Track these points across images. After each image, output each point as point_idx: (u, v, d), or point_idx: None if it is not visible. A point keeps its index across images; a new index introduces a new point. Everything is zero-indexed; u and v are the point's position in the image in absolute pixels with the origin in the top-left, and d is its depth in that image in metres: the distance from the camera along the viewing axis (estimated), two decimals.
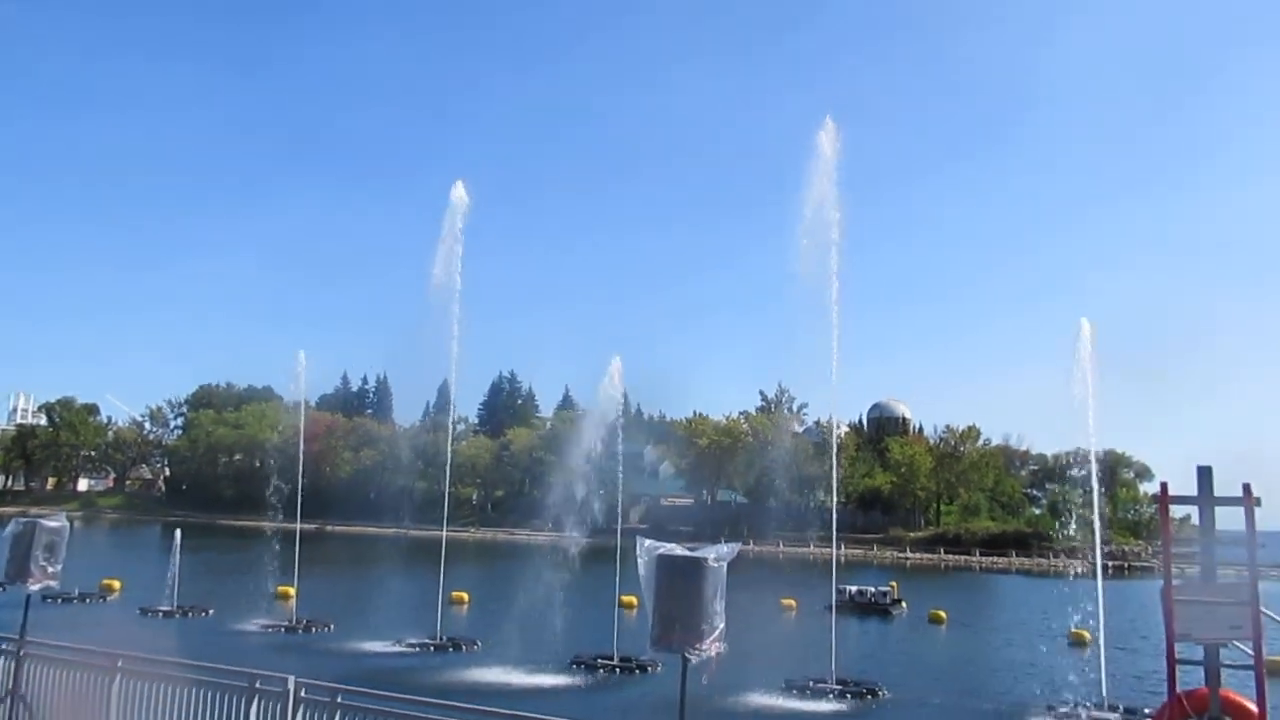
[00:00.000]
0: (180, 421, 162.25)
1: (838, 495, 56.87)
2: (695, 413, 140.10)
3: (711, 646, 8.62)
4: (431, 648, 32.69)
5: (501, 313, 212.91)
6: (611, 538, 34.71)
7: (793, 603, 50.60)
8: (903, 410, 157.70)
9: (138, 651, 11.49)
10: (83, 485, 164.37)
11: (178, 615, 38.12)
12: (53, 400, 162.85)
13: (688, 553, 8.85)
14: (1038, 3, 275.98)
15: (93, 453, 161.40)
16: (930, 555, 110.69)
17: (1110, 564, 75.08)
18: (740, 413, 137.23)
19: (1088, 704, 25.49)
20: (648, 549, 8.90)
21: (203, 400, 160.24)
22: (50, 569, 12.57)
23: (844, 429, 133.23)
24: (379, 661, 30.57)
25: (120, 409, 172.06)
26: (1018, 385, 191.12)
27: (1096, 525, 30.24)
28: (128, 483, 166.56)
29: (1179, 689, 9.28)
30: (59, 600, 37.29)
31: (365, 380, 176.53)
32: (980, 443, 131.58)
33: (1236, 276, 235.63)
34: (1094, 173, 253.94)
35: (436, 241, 38.67)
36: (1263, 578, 9.91)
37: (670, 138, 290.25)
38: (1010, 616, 53.45)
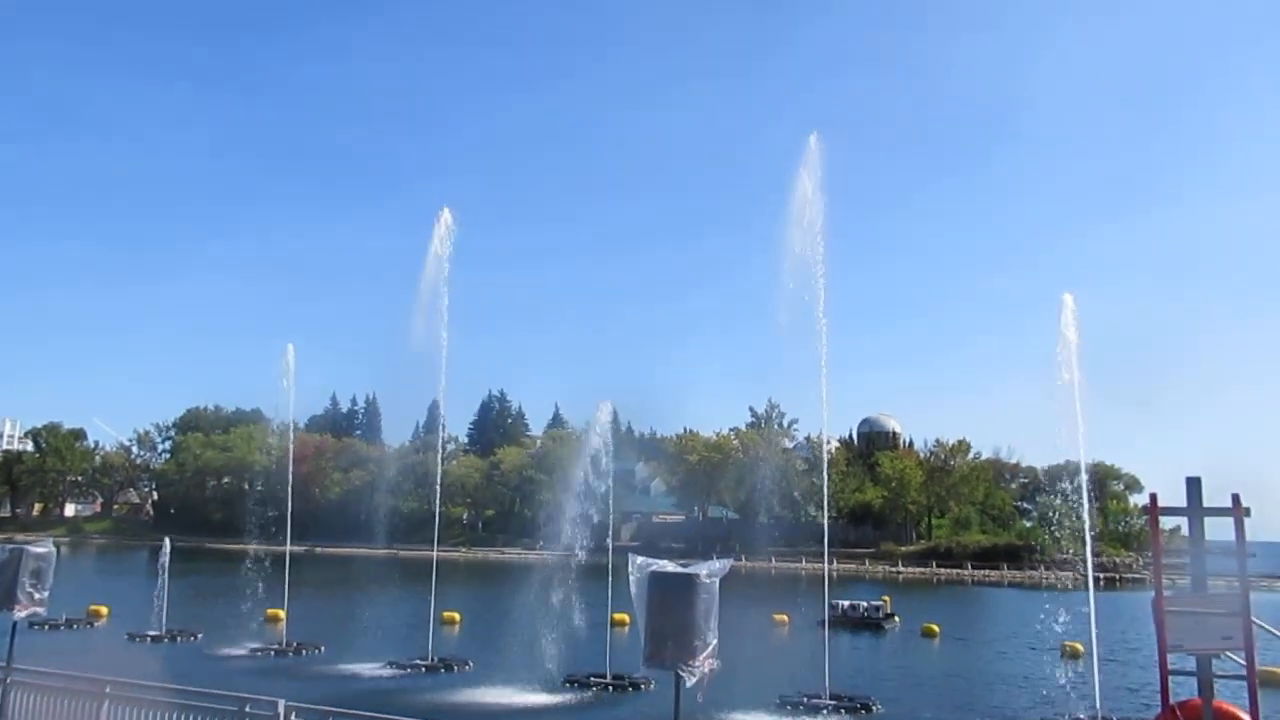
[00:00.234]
0: (168, 445, 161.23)
1: (829, 510, 56.96)
2: (685, 429, 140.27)
3: (704, 663, 8.60)
4: (423, 668, 32.45)
5: (490, 330, 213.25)
6: (603, 555, 34.60)
7: (785, 618, 50.51)
8: (893, 425, 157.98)
9: (126, 677, 11.40)
10: (70, 511, 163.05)
11: (166, 640, 37.73)
12: (39, 425, 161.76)
13: (680, 569, 8.85)
14: (1023, 23, 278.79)
15: (79, 478, 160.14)
16: (922, 569, 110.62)
17: (1101, 576, 75.24)
18: (730, 429, 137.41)
19: (1081, 716, 25.47)
20: (640, 566, 8.90)
21: (190, 423, 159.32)
22: (37, 595, 12.50)
23: (834, 444, 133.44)
24: (370, 683, 30.35)
25: (107, 433, 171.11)
26: (1006, 399, 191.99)
27: (1087, 537, 30.26)
28: (115, 507, 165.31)
29: (1172, 700, 9.30)
30: (46, 627, 36.90)
31: (354, 401, 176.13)
32: (970, 456, 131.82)
33: (1222, 292, 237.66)
34: (1080, 190, 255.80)
35: (424, 263, 38.72)
36: (1253, 588, 9.94)
37: (658, 156, 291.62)
38: (1003, 629, 53.39)
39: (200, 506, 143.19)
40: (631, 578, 8.93)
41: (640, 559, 9.00)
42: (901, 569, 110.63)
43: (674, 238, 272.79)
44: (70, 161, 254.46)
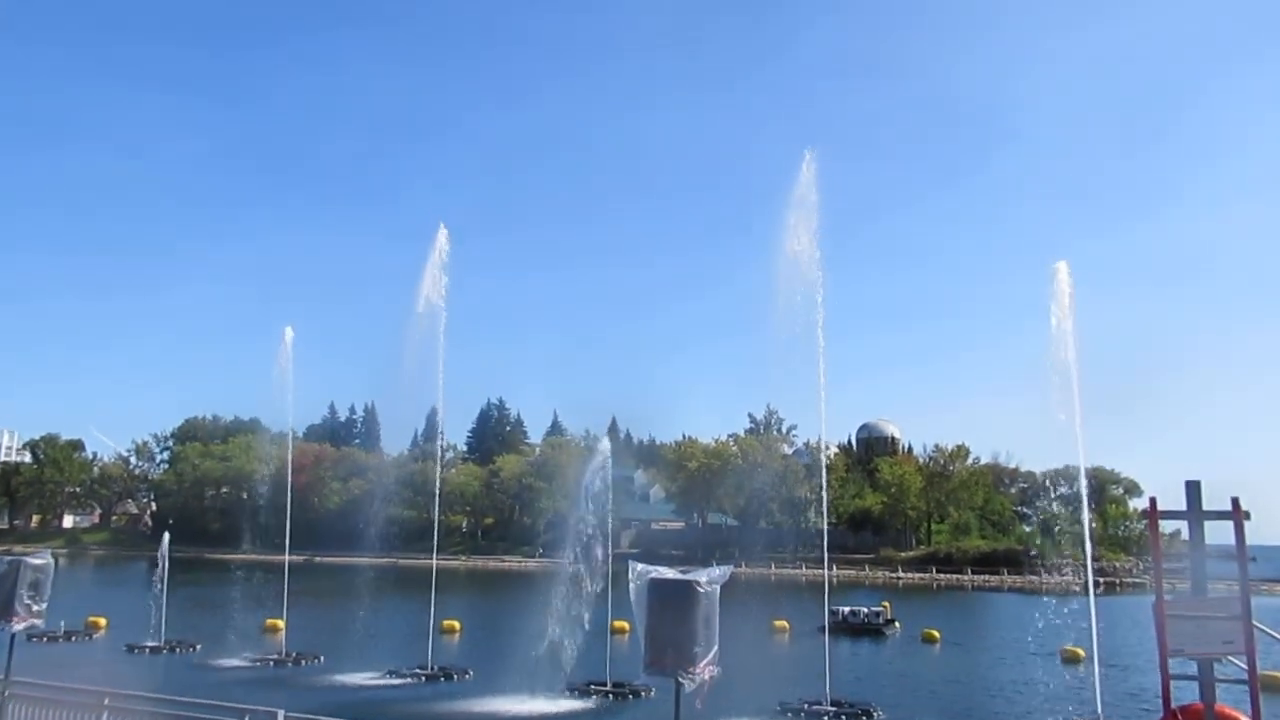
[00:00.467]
0: (166, 455, 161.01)
1: (828, 516, 56.95)
2: (684, 436, 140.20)
3: (705, 670, 8.58)
4: (423, 677, 32.38)
5: (489, 338, 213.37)
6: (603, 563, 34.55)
7: (785, 624, 50.45)
8: (892, 430, 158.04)
9: (125, 689, 11.37)
10: (68, 522, 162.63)
11: (165, 651, 37.64)
12: (37, 437, 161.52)
13: (679, 576, 8.83)
14: (1021, 29, 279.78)
15: (78, 489, 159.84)
16: (922, 575, 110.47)
17: (1101, 580, 75.16)
18: (729, 435, 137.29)
19: None
20: (639, 573, 8.88)
21: (189, 433, 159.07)
22: (35, 607, 12.46)
23: (833, 450, 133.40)
24: (370, 693, 30.26)
25: (105, 444, 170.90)
26: (1005, 404, 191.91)
27: (1087, 542, 30.30)
28: (113, 518, 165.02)
29: (1174, 704, 9.27)
30: (44, 639, 36.82)
31: (353, 410, 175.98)
32: (969, 461, 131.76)
33: (1218, 296, 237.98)
34: (1078, 194, 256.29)
35: (421, 274, 38.72)
36: (1254, 592, 9.93)
37: (656, 163, 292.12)
38: (1003, 635, 53.30)
39: (199, 517, 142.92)
40: (631, 585, 8.92)
41: (640, 566, 8.99)
42: (901, 574, 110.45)
43: (672, 245, 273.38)
44: (65, 170, 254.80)
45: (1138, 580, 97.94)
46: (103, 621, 44.91)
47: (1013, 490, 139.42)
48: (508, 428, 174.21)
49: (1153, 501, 9.91)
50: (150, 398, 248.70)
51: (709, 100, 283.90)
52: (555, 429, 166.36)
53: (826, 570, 37.60)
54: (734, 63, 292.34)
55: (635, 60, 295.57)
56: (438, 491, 46.58)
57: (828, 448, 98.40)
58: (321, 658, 35.88)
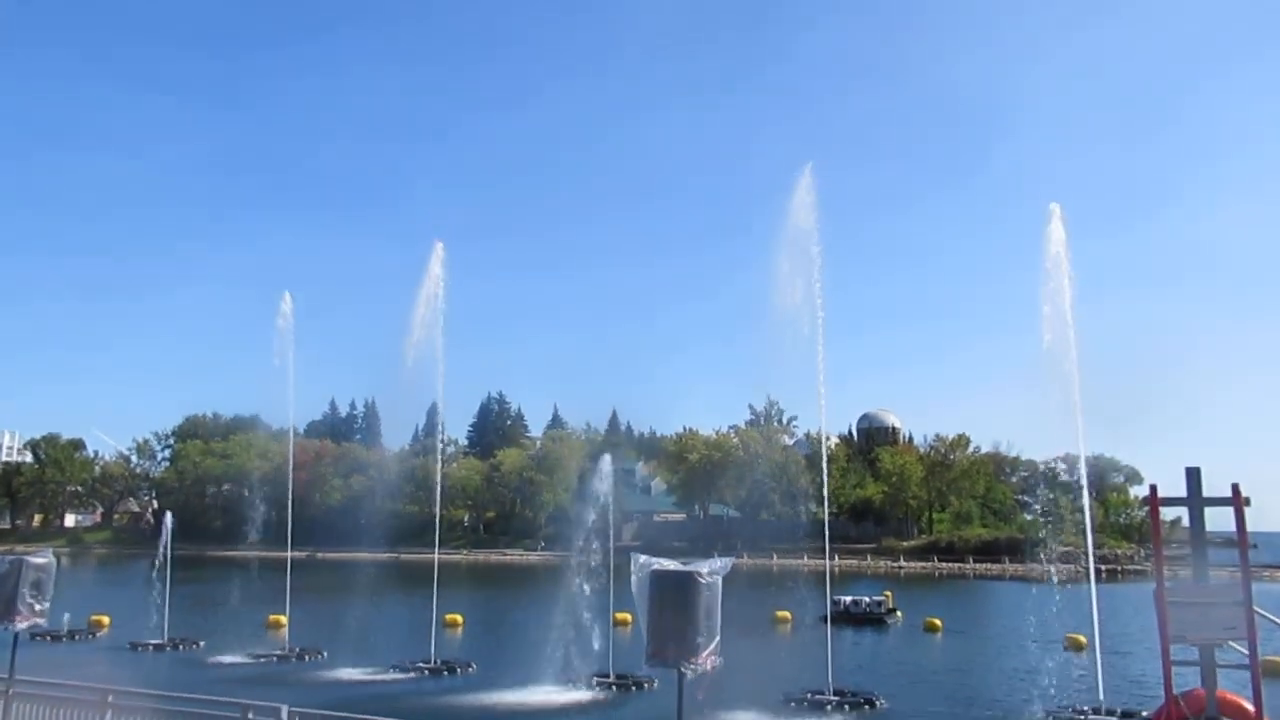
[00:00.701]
0: (167, 454, 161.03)
1: (829, 506, 57.00)
2: (685, 428, 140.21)
3: (707, 660, 8.60)
4: (426, 671, 32.44)
5: (488, 333, 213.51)
6: (605, 556, 34.62)
7: (787, 615, 50.54)
8: (892, 420, 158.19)
9: (128, 686, 11.40)
10: (70, 521, 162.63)
11: (168, 648, 37.70)
12: (37, 437, 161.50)
13: (681, 567, 8.84)
14: (1020, 30, 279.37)
15: (79, 488, 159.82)
16: (924, 564, 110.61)
17: (1103, 568, 75.28)
18: (730, 427, 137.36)
19: (1085, 708, 25.46)
20: (641, 565, 8.89)
21: (189, 431, 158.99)
22: (38, 606, 12.48)
23: (834, 440, 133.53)
24: (373, 688, 30.33)
25: (106, 443, 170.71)
26: (1005, 394, 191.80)
27: (1088, 529, 30.31)
28: (115, 517, 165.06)
29: (1175, 690, 9.28)
30: (48, 638, 36.86)
31: (353, 406, 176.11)
32: (970, 450, 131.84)
33: (1217, 296, 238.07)
34: (1079, 190, 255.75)
35: (422, 273, 38.89)
36: (1255, 578, 9.95)
37: (656, 165, 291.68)
38: (1005, 623, 53.38)
39: (200, 515, 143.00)
40: (633, 577, 8.93)
41: (642, 558, 9.00)
42: (903, 564, 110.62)
43: (672, 246, 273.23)
44: (66, 172, 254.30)
45: (1139, 567, 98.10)
46: (106, 620, 44.97)
47: (1014, 479, 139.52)
48: (508, 421, 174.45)
49: (1153, 489, 9.91)
50: (150, 397, 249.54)
51: (710, 103, 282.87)
52: (556, 422, 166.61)
53: (828, 560, 37.65)
54: (734, 64, 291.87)
55: (636, 62, 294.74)
56: (439, 486, 46.51)
57: (828, 438, 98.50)
58: (324, 653, 35.94)
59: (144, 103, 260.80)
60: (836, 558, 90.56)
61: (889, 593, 57.62)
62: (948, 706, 28.67)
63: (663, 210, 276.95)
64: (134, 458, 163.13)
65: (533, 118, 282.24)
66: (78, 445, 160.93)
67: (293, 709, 9.52)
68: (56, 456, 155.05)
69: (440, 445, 61.99)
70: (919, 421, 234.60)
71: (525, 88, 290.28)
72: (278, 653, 35.86)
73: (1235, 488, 9.35)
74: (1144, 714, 24.04)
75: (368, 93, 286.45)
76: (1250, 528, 9.42)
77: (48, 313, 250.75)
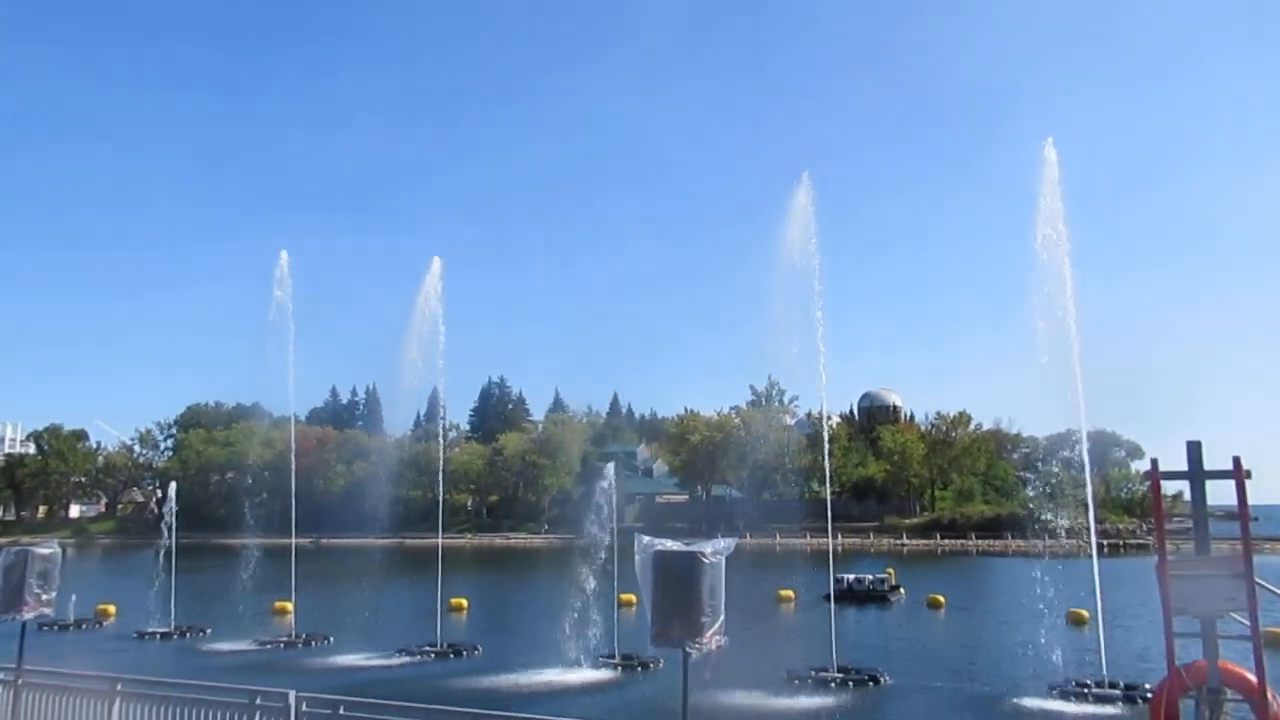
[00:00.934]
0: (170, 443, 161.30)
1: (831, 485, 57.12)
2: (686, 409, 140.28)
3: (711, 640, 8.63)
4: (432, 655, 32.62)
5: (489, 318, 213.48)
6: (608, 538, 34.73)
7: (791, 594, 50.73)
8: (893, 399, 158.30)
9: (136, 674, 11.45)
10: (74, 512, 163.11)
11: (175, 636, 37.90)
12: (40, 428, 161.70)
13: (684, 548, 8.87)
14: (1016, 23, 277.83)
15: (83, 479, 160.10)
16: (926, 541, 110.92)
17: (1105, 542, 75.46)
18: (731, 407, 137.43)
19: (1088, 681, 25.61)
20: (645, 546, 8.92)
21: (192, 420, 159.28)
22: (44, 597, 12.52)
23: (835, 419, 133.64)
24: (380, 672, 30.50)
25: (109, 433, 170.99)
26: (1006, 371, 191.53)
27: (1090, 504, 30.34)
28: (119, 507, 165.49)
29: (1178, 662, 9.33)
30: (55, 628, 37.07)
31: (355, 392, 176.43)
32: (971, 428, 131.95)
33: (1216, 271, 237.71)
34: (1084, 169, 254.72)
35: (424, 264, 38.96)
36: (1256, 551, 9.97)
37: (657, 155, 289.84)
38: (1008, 599, 53.57)
39: (204, 503, 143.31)
40: (637, 558, 8.96)
41: (645, 539, 9.02)
42: (906, 542, 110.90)
43: (674, 226, 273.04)
44: (68, 168, 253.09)
45: (1141, 542, 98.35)
46: (112, 609, 45.17)
47: (1015, 456, 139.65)
48: (510, 405, 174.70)
49: (1154, 463, 9.93)
50: (152, 387, 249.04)
51: (715, 91, 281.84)
52: (557, 405, 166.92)
53: (831, 539, 37.74)
54: (736, 55, 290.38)
55: (639, 51, 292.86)
56: (441, 471, 46.42)
57: (829, 417, 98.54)
58: (331, 638, 36.13)
59: (145, 98, 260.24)
60: (839, 536, 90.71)
61: (892, 570, 57.81)
62: (951, 682, 28.83)
63: (665, 196, 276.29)
64: (137, 447, 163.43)
65: (535, 107, 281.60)
66: (80, 436, 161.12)
67: (301, 694, 9.57)
68: (59, 447, 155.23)
69: (442, 430, 61.96)
70: (920, 400, 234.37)
71: (530, 75, 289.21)
72: (284, 639, 36.04)
73: (1236, 461, 9.37)
74: (1147, 687, 24.17)
75: (371, 82, 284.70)
76: (1251, 500, 9.45)
77: (49, 306, 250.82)
